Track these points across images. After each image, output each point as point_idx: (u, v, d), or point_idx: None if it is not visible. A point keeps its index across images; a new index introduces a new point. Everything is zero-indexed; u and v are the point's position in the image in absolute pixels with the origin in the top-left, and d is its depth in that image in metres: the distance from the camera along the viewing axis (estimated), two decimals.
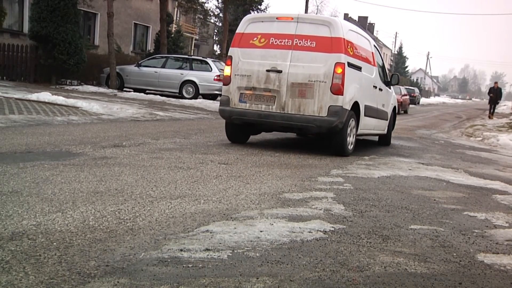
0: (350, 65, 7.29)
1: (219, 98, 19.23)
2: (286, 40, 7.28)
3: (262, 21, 7.67)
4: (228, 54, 7.70)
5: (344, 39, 7.15)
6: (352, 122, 7.58)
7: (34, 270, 2.46)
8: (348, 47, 7.27)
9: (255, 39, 7.47)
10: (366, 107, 8.06)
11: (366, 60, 8.16)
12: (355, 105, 7.56)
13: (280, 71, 7.21)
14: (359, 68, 7.72)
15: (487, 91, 25.55)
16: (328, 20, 7.41)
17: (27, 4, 21.73)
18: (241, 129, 8.05)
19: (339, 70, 7.02)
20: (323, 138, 8.28)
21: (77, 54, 18.65)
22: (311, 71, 7.12)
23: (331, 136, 7.48)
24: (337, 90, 7.05)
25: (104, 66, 20.57)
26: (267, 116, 7.29)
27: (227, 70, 7.59)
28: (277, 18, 7.55)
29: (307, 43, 7.20)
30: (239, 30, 7.69)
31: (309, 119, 7.16)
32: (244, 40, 7.56)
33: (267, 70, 7.28)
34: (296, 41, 7.24)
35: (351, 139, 7.67)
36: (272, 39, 7.36)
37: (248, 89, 7.39)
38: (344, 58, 7.08)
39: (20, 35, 21.55)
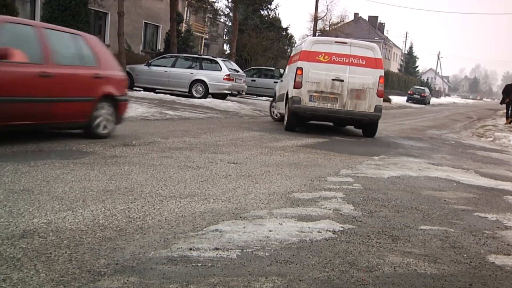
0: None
1: (228, 97, 19.30)
2: (344, 58, 10.11)
3: (324, 43, 10.48)
4: (298, 66, 10.15)
5: (381, 59, 10.47)
6: None
7: (45, 268, 2.48)
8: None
9: (320, 56, 10.11)
10: None
11: None
12: None
13: (342, 80, 10.04)
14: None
15: (503, 89, 21.25)
16: (372, 45, 10.61)
17: (38, 3, 21.89)
18: (300, 121, 10.73)
19: (382, 81, 10.19)
20: (361, 127, 11.18)
21: None
22: (363, 81, 10.07)
23: (371, 125, 10.69)
24: (381, 94, 10.21)
25: None
26: (334, 112, 10.18)
27: (298, 78, 10.07)
28: (335, 42, 10.63)
29: (359, 61, 10.13)
30: (306, 48, 10.27)
31: (363, 113, 10.17)
32: (311, 56, 10.13)
33: (332, 79, 10.02)
34: (351, 59, 10.12)
35: None
36: (333, 57, 10.12)
37: (318, 92, 10.08)
38: (383, 72, 10.34)
39: None
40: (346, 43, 10.47)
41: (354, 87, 10.05)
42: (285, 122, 10.84)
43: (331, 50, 10.17)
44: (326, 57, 10.11)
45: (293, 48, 13.84)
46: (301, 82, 10.03)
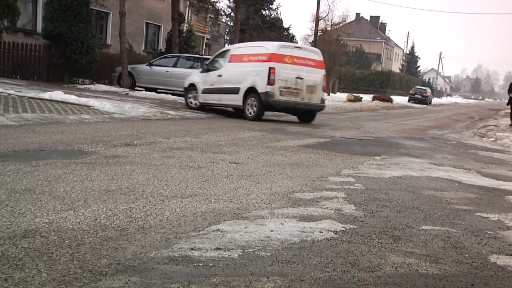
0: None
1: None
2: (302, 60, 12.32)
3: (287, 47, 12.54)
4: (271, 66, 11.89)
5: (323, 61, 13.19)
6: None
7: (47, 268, 2.48)
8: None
9: (286, 58, 12.07)
10: None
11: None
12: None
13: (302, 78, 12.25)
14: None
15: (509, 88, 19.81)
16: (317, 50, 13.46)
17: (40, 3, 21.92)
18: (267, 110, 12.66)
19: (325, 78, 13.12)
20: (306, 115, 13.20)
21: (89, 53, 18.78)
22: (314, 78, 12.51)
23: (313, 113, 13.32)
24: (324, 89, 13.12)
25: (116, 65, 20.65)
26: (298, 104, 12.44)
27: (272, 76, 11.85)
28: (295, 47, 13.07)
29: (311, 62, 12.50)
30: (275, 52, 12.06)
31: (315, 104, 12.81)
32: (280, 58, 12.00)
33: (296, 77, 12.18)
34: (306, 61, 12.42)
35: None
36: (295, 59, 12.20)
37: (286, 88, 12.06)
38: (325, 72, 13.15)
39: (33, 34, 21.74)
40: (301, 48, 13.24)
41: (309, 84, 12.33)
42: (253, 113, 12.32)
43: (293, 53, 12.27)
44: (290, 59, 12.10)
45: (230, 47, 15.26)
46: (274, 79, 11.84)
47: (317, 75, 12.50)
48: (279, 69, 11.85)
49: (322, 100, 12.91)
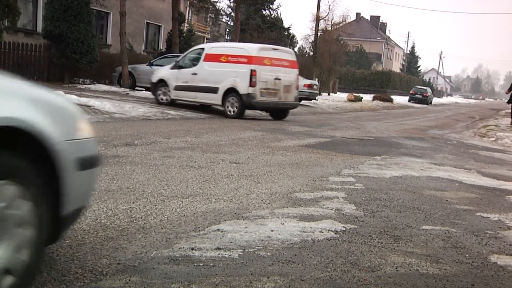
0: None
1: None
2: (279, 61, 12.88)
3: (266, 50, 13.06)
4: (253, 68, 12.31)
5: (297, 61, 13.79)
6: None
7: (47, 267, 2.48)
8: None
9: (265, 60, 12.54)
10: None
11: None
12: None
13: (280, 79, 12.81)
14: None
15: (510, 87, 19.46)
16: (291, 51, 14.73)
17: (41, 3, 21.90)
18: (248, 109, 13.09)
19: (298, 78, 13.63)
20: (281, 112, 13.80)
21: (89, 53, 18.77)
22: (289, 78, 13.09)
23: (287, 111, 13.95)
24: (297, 88, 13.61)
25: (116, 65, 20.65)
26: (277, 103, 13.09)
27: (254, 78, 12.27)
28: (272, 49, 13.41)
29: (286, 63, 13.05)
30: (256, 54, 12.49)
31: (291, 103, 13.46)
32: (260, 61, 12.44)
33: (274, 79, 12.68)
34: (282, 62, 12.97)
35: None
36: (273, 61, 12.73)
37: (265, 89, 12.52)
38: (298, 71, 13.65)
39: (34, 34, 21.73)
40: (278, 49, 13.62)
41: (285, 84, 12.93)
42: (234, 112, 12.78)
43: (271, 55, 12.78)
44: (269, 61, 12.63)
45: (208, 44, 16.04)
46: (256, 81, 12.33)
47: (291, 75, 13.16)
48: (260, 71, 12.34)
49: (296, 99, 13.65)
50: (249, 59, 12.46)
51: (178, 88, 14.06)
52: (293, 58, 13.52)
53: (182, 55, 15.37)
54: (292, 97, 13.30)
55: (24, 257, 2.05)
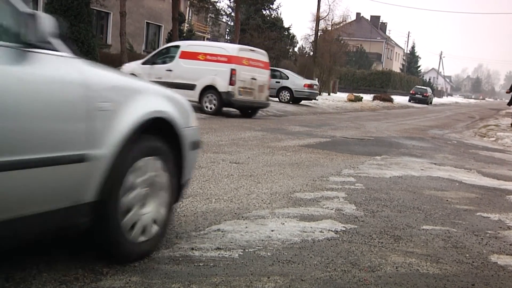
0: None
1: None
2: (255, 62, 13.58)
3: (244, 50, 13.63)
4: (233, 68, 12.85)
5: (269, 62, 14.76)
6: None
7: (47, 267, 2.48)
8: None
9: (243, 60, 13.18)
10: None
11: None
12: None
13: (255, 79, 13.49)
14: None
15: (510, 87, 19.05)
16: (264, 52, 14.60)
17: (41, 3, 21.94)
18: (226, 107, 13.59)
19: (269, 78, 14.71)
20: (253, 110, 14.33)
21: (89, 53, 18.76)
22: (263, 79, 13.85)
23: (258, 109, 14.60)
24: (268, 88, 14.45)
25: (116, 65, 20.59)
26: (252, 102, 13.74)
27: (234, 77, 12.83)
28: (249, 50, 13.99)
29: (260, 64, 13.81)
30: (236, 54, 13.03)
31: (263, 102, 14.21)
32: (239, 60, 13.04)
33: (251, 78, 13.34)
34: (257, 63, 13.68)
35: None
36: (250, 61, 13.40)
37: (243, 88, 13.10)
38: (269, 72, 14.78)
39: None
40: (255, 50, 14.17)
41: (260, 84, 13.62)
42: (212, 109, 13.13)
43: (248, 56, 13.41)
44: (247, 61, 13.25)
45: (188, 42, 15.81)
46: (235, 80, 12.87)
47: (265, 76, 13.98)
48: (239, 70, 12.93)
49: (267, 98, 14.48)
50: (229, 59, 12.97)
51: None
52: (266, 59, 14.28)
53: (155, 51, 15.49)
54: (264, 96, 14.02)
55: (163, 212, 2.85)
